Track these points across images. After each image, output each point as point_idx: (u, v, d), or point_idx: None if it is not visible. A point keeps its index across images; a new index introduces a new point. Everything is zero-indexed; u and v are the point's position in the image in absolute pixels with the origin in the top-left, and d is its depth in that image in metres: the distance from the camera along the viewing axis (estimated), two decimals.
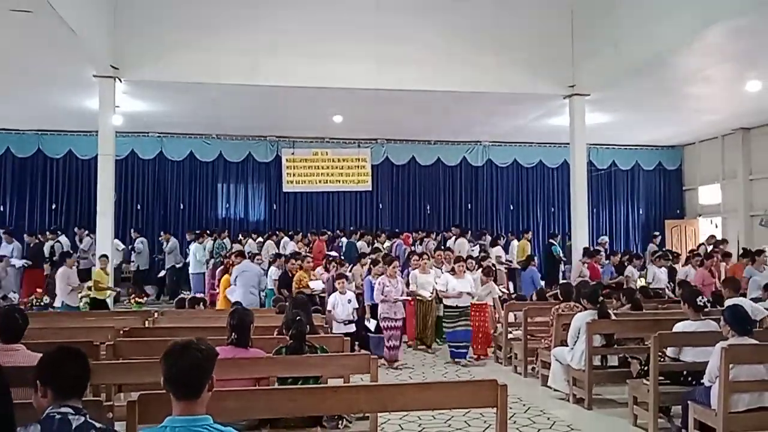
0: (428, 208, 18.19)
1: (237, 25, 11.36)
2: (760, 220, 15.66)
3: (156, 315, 7.32)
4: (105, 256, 11.08)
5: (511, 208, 18.59)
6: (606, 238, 16.83)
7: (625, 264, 12.54)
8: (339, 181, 17.15)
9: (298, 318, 4.49)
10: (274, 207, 17.64)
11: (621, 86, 12.08)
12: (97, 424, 2.43)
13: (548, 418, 6.25)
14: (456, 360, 8.94)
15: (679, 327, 5.83)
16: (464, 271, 9.24)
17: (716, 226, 17.53)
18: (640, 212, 19.12)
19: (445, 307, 9.12)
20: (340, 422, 4.26)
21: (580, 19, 12.13)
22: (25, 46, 10.15)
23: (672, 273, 12.05)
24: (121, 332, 5.73)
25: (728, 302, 5.97)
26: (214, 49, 11.24)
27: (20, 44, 10.05)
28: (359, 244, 14.87)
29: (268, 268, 11.45)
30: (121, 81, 11.47)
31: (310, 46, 11.39)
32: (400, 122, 15.63)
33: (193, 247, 14.58)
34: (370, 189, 17.45)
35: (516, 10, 11.95)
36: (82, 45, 9.79)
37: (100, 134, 11.56)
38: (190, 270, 14.50)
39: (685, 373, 5.65)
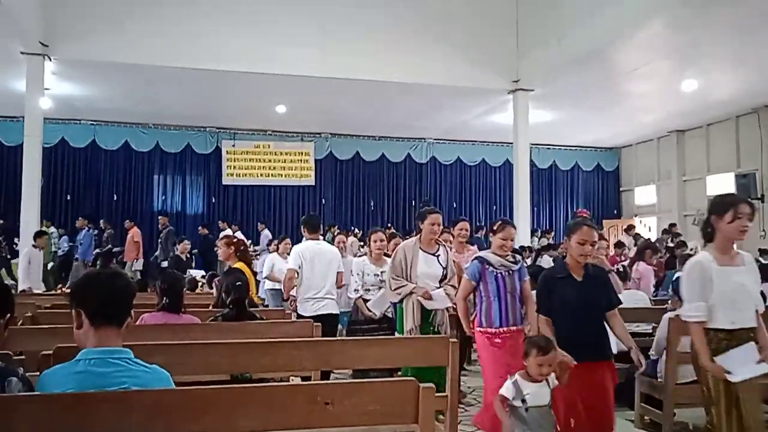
0: (372, 204, 18.02)
1: (177, 4, 10.92)
2: (693, 220, 16.12)
3: None
4: None
5: (454, 205, 18.63)
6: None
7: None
8: (281, 175, 16.84)
9: (238, 283, 4.20)
10: (213, 200, 17.13)
11: (564, 80, 12.15)
12: (20, 371, 2.13)
13: None
14: None
15: None
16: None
17: (649, 229, 17.91)
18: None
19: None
20: None
21: (525, 11, 12.17)
22: None
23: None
24: (43, 308, 5.30)
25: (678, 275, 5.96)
26: (153, 29, 10.73)
27: None
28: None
29: None
30: (51, 59, 10.84)
31: (253, 30, 11.05)
32: (344, 116, 15.41)
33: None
34: (313, 184, 17.17)
35: (462, 1, 11.91)
36: (8, 16, 9.11)
37: (26, 115, 10.83)
38: None
39: None
